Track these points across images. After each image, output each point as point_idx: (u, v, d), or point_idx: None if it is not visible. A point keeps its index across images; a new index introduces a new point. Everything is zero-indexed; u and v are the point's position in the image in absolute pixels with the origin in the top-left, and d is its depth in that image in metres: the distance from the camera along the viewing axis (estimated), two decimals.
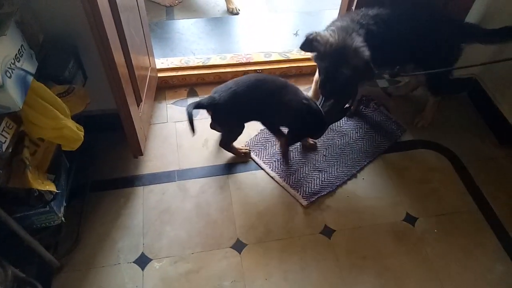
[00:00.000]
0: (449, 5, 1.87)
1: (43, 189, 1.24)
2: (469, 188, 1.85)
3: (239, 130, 1.84)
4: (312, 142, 1.97)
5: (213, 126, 1.92)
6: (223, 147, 1.90)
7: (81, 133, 1.29)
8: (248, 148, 1.94)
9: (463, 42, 1.82)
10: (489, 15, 1.92)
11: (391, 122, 2.11)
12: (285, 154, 1.93)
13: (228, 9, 2.90)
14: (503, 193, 1.84)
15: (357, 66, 1.57)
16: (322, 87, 1.70)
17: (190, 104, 1.68)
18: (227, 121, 1.80)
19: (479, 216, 1.75)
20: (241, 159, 1.91)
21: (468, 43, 1.82)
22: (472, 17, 1.94)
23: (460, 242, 1.67)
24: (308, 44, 1.64)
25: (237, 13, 2.88)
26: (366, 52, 1.56)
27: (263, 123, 1.87)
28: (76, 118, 1.45)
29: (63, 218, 1.39)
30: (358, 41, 1.58)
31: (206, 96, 1.75)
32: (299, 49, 2.06)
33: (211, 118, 1.82)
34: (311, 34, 1.63)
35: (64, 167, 1.48)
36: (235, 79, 1.78)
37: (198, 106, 1.71)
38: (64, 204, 1.43)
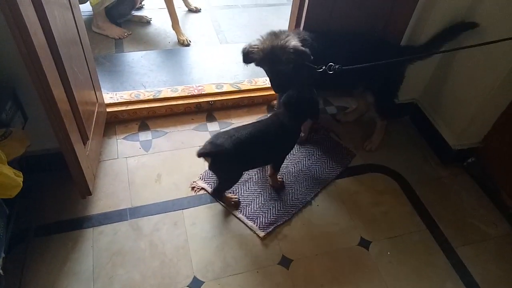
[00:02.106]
0: (388, 28, 2.00)
1: None
2: (417, 209, 1.94)
3: (238, 178, 1.79)
4: (280, 179, 1.96)
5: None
6: (214, 196, 1.85)
7: (20, 179, 1.21)
8: (237, 197, 1.88)
9: (404, 64, 1.95)
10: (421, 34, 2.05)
11: (341, 148, 2.18)
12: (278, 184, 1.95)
13: (179, 41, 2.92)
14: (448, 212, 1.94)
15: (290, 58, 1.69)
16: (272, 86, 1.86)
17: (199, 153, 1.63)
18: (229, 169, 1.74)
19: (428, 235, 1.83)
20: (230, 209, 1.85)
21: (410, 64, 1.95)
22: (406, 38, 2.09)
23: (412, 262, 1.72)
24: (246, 57, 1.79)
25: (188, 45, 2.90)
26: (292, 42, 1.69)
27: (272, 163, 1.87)
28: (17, 161, 1.38)
29: (1, 271, 1.28)
30: (285, 39, 1.71)
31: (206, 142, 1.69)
32: (249, 79, 2.11)
33: (210, 164, 1.70)
34: (245, 48, 1.78)
35: (2, 215, 1.38)
36: (235, 127, 1.75)
37: (204, 155, 1.64)
38: (3, 254, 1.32)
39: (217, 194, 1.84)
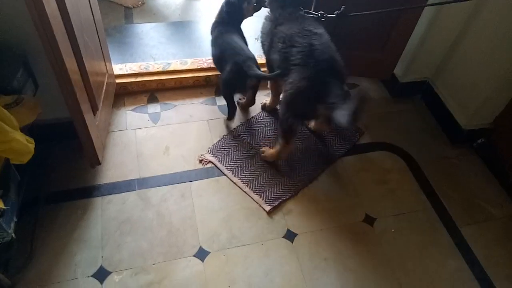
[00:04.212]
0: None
1: None
2: (423, 188, 1.94)
3: None
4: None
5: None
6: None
7: (32, 146, 1.23)
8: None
9: None
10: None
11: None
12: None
13: None
14: (454, 191, 1.94)
15: None
16: None
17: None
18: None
19: (433, 214, 1.84)
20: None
21: None
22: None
23: (416, 240, 1.74)
24: None
25: None
26: None
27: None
28: (28, 128, 1.39)
29: (13, 235, 1.32)
30: None
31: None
32: (262, 53, 2.08)
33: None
34: None
35: (14, 180, 1.41)
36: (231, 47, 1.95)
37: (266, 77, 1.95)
38: (15, 219, 1.36)
39: None
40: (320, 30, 1.68)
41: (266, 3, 1.93)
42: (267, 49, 1.88)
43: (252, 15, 2.17)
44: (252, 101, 2.14)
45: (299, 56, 1.61)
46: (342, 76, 1.61)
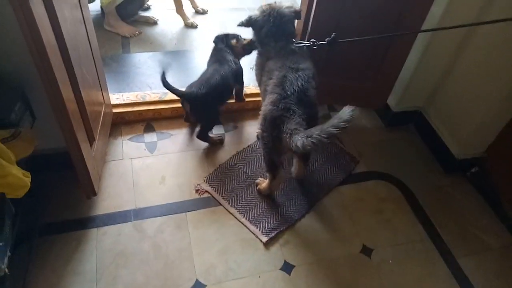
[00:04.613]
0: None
1: None
2: (419, 218, 1.94)
3: (218, 116, 2.12)
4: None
5: (190, 118, 2.19)
6: (202, 139, 2.11)
7: (28, 179, 1.22)
8: (222, 135, 2.19)
9: None
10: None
11: (345, 154, 2.19)
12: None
13: (186, 24, 3.13)
14: (450, 221, 1.95)
15: None
16: None
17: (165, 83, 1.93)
18: (209, 109, 2.04)
19: (430, 244, 1.83)
20: (217, 146, 2.15)
21: None
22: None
23: (414, 271, 1.73)
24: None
25: (196, 27, 3.11)
26: None
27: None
28: (24, 160, 1.39)
29: (6, 270, 1.29)
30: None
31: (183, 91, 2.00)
32: (255, 83, 2.12)
33: (191, 110, 2.04)
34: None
35: (9, 213, 1.39)
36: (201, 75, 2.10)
37: (175, 92, 1.97)
38: (9, 254, 1.33)
39: (203, 136, 2.10)
40: (303, 66, 1.70)
41: (256, 43, 1.95)
42: (259, 80, 1.94)
43: (243, 55, 2.24)
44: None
45: (271, 86, 1.68)
46: (311, 108, 1.63)
